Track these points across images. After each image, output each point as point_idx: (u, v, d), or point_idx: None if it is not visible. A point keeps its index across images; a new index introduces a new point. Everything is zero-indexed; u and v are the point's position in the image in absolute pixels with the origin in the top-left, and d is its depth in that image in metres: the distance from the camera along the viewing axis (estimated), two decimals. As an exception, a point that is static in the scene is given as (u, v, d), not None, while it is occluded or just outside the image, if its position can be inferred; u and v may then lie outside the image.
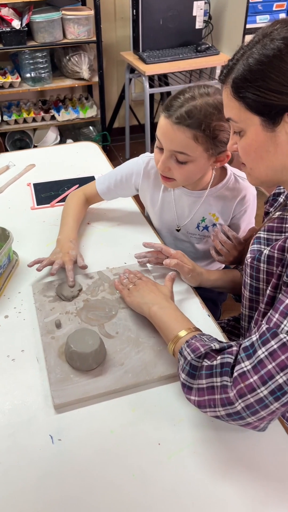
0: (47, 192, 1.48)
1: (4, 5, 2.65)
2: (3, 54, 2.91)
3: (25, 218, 1.37)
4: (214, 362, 0.73)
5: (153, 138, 3.56)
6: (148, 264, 1.17)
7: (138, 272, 1.11)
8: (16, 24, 2.58)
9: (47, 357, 0.93)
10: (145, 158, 1.24)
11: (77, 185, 1.50)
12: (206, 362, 0.74)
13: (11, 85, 2.83)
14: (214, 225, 1.23)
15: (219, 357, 0.74)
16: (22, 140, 3.10)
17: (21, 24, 2.61)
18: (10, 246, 1.15)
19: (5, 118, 2.94)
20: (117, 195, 1.32)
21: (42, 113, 3.00)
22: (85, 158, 1.70)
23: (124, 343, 0.97)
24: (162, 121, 1.05)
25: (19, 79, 2.84)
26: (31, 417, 0.84)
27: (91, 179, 1.55)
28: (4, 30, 2.59)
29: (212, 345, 0.77)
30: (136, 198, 1.38)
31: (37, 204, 1.43)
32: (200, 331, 0.87)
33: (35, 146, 3.11)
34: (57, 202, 1.43)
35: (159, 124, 1.07)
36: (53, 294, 1.08)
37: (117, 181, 1.27)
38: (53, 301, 1.07)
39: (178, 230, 1.27)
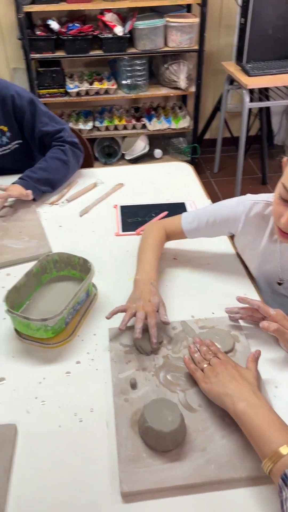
0: (133, 217, 1.37)
1: (109, 10, 2.61)
2: (103, 60, 2.88)
3: (108, 245, 1.28)
4: None
5: (246, 151, 3.36)
6: (240, 321, 1.02)
7: (213, 343, 0.93)
8: (118, 30, 2.52)
9: (118, 425, 0.81)
10: (246, 203, 1.07)
11: (166, 212, 1.38)
12: None
13: (106, 92, 2.79)
14: None
15: None
16: (110, 147, 3.06)
17: (123, 31, 2.54)
18: (90, 281, 1.06)
19: (97, 124, 2.91)
20: (204, 236, 1.17)
21: (133, 121, 2.94)
22: (177, 180, 1.57)
23: (207, 421, 0.82)
24: None
25: (115, 86, 2.79)
26: (93, 502, 0.73)
27: (180, 206, 1.42)
28: (106, 36, 2.55)
29: None
30: (233, 236, 1.22)
31: (122, 230, 1.32)
32: None
33: (123, 154, 3.05)
34: (143, 230, 1.31)
35: None
36: (131, 344, 0.97)
37: (208, 223, 1.12)
38: (130, 352, 0.95)
39: (280, 284, 1.10)
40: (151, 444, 0.77)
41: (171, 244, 1.23)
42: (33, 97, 1.48)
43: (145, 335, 0.96)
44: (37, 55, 2.62)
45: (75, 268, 1.12)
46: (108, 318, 0.98)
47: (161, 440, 0.76)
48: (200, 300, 1.09)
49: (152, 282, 1.04)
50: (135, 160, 3.05)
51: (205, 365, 0.87)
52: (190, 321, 1.02)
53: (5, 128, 1.49)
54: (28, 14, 2.65)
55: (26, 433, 0.82)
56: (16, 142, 1.53)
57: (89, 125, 2.89)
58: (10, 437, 0.80)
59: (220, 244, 1.25)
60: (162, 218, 1.35)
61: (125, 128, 2.95)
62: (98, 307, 1.08)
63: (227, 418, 0.82)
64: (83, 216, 1.38)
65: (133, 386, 0.88)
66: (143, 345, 0.95)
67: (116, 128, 2.94)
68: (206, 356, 0.89)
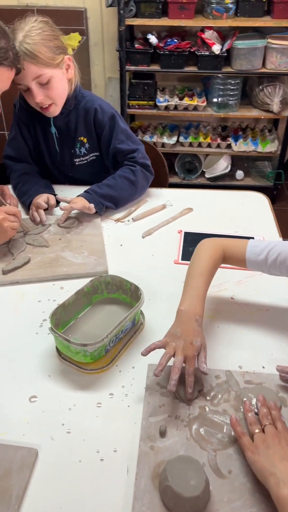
0: (195, 246, 1.31)
1: (210, 27, 2.58)
2: (196, 76, 2.85)
3: (164, 272, 1.23)
4: None
5: None
6: (292, 382, 0.92)
7: (276, 406, 0.83)
8: (216, 48, 2.48)
9: (138, 474, 0.77)
10: None
11: (232, 246, 1.31)
12: None
13: (195, 108, 2.75)
14: None
15: None
16: (191, 163, 3.02)
17: (221, 49, 2.50)
18: (138, 310, 1.02)
19: (181, 139, 2.89)
20: (265, 272, 1.05)
21: (219, 140, 2.87)
22: (250, 212, 1.49)
23: (235, 492, 0.74)
24: None
25: (205, 103, 2.75)
26: None
27: (250, 241, 1.34)
28: (202, 53, 2.52)
29: None
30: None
31: (182, 259, 1.27)
32: None
33: (203, 172, 3.00)
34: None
35: None
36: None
37: (277, 261, 0.99)
38: (165, 395, 0.90)
39: None
40: (169, 505, 0.72)
41: (230, 284, 1.17)
42: (115, 113, 1.49)
43: (183, 381, 0.89)
44: (132, 67, 2.65)
45: (126, 293, 1.09)
46: (143, 355, 0.91)
47: (180, 504, 0.70)
48: (251, 350, 1.00)
49: (198, 319, 0.94)
50: (215, 179, 2.98)
51: (257, 431, 0.78)
52: (236, 373, 0.94)
53: (85, 140, 1.51)
54: (130, 27, 2.71)
55: (45, 461, 0.80)
56: (93, 154, 1.54)
57: (173, 139, 2.87)
58: (30, 462, 0.79)
59: (283, 288, 1.16)
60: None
61: (209, 146, 2.89)
62: (142, 337, 1.04)
63: (258, 494, 0.74)
64: (145, 237, 1.36)
65: (162, 434, 0.83)
66: (180, 391, 0.89)
67: (200, 145, 2.89)
68: (263, 420, 0.79)
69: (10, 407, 0.89)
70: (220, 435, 0.83)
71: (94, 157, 1.55)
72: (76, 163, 1.55)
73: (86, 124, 1.49)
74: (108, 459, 0.80)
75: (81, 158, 1.54)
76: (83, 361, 0.95)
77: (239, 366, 0.96)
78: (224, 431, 0.83)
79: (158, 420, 0.85)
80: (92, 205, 1.37)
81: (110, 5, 2.72)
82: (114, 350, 0.99)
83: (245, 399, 0.87)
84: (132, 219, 1.42)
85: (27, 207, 1.44)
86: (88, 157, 1.54)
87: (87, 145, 1.52)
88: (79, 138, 1.51)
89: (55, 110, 1.40)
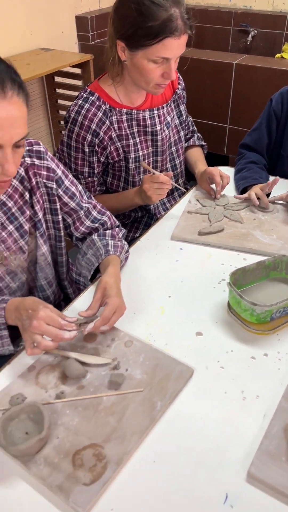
0: None
1: None
2: None
3: None
4: None
5: None
6: None
7: None
8: None
9: (273, 421, 0.85)
10: None
11: None
12: None
13: None
14: None
15: None
16: None
17: None
18: (311, 293, 1.08)
19: None
20: None
21: None
22: None
23: None
24: None
25: None
26: (221, 464, 0.81)
27: None
28: None
29: None
30: None
31: None
32: None
33: None
34: None
35: None
36: None
37: None
38: None
39: None
40: (295, 454, 0.79)
41: None
42: None
43: None
44: None
45: (304, 278, 1.15)
46: None
47: (304, 456, 0.77)
48: None
49: None
50: None
51: None
52: None
53: None
54: None
55: (196, 382, 0.95)
56: None
57: None
58: (186, 376, 0.95)
59: None
60: None
61: None
62: (309, 320, 1.10)
63: None
64: None
65: (305, 400, 0.89)
66: None
67: None
68: None
69: (179, 334, 1.06)
70: None
71: None
72: None
73: None
74: (249, 400, 0.91)
75: None
76: (249, 320, 1.06)
77: None
78: None
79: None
80: None
81: None
82: (279, 321, 1.07)
83: None
84: None
85: (239, 191, 1.58)
86: None
87: None
88: None
89: None
